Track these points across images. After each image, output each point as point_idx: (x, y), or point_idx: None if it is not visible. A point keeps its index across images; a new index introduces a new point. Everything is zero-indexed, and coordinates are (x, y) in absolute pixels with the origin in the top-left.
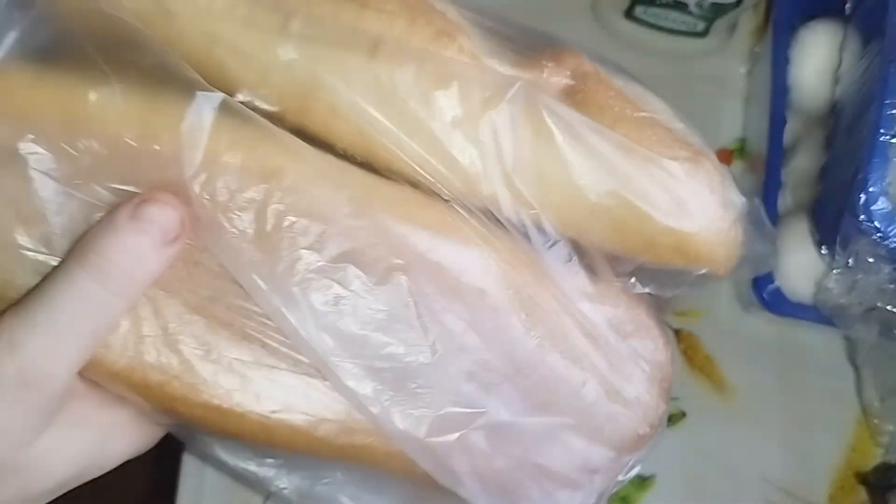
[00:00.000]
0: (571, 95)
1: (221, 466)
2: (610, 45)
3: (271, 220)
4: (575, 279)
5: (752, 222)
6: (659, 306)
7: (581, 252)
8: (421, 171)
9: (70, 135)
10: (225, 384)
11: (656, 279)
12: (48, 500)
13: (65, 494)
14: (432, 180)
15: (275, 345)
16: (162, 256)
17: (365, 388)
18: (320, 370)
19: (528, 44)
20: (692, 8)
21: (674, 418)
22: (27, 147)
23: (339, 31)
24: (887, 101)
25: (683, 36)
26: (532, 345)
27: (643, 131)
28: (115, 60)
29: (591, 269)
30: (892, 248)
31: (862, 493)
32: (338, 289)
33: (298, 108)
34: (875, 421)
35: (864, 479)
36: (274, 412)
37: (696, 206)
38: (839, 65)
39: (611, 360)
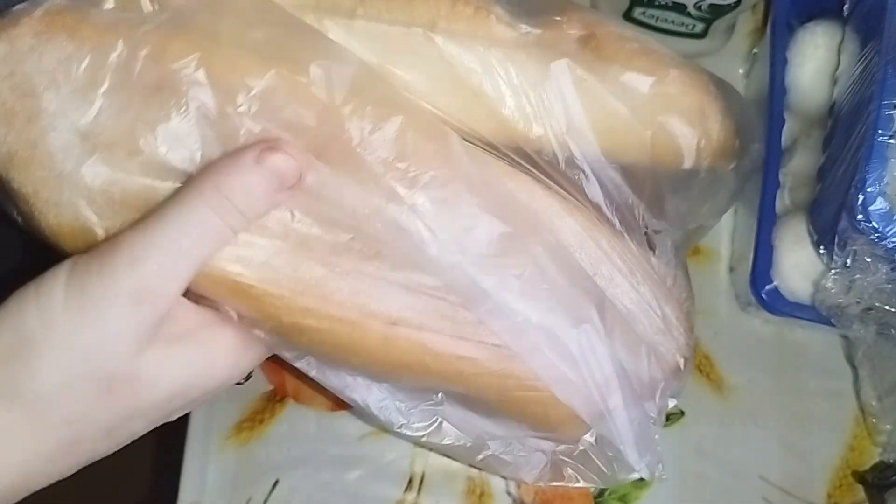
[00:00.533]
0: (587, 43)
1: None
2: None
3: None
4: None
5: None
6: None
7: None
8: (504, 148)
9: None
10: (352, 296)
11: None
12: (160, 415)
13: (74, 480)
14: (513, 155)
15: (400, 262)
16: (275, 200)
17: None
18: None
19: (537, 4)
20: (690, 9)
21: (672, 418)
22: (196, 76)
23: (397, 20)
24: (885, 102)
25: (682, 37)
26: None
27: (649, 57)
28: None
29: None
30: (890, 248)
31: (860, 492)
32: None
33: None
34: (873, 420)
35: (861, 477)
36: (394, 324)
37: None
38: (837, 66)
39: (659, 299)
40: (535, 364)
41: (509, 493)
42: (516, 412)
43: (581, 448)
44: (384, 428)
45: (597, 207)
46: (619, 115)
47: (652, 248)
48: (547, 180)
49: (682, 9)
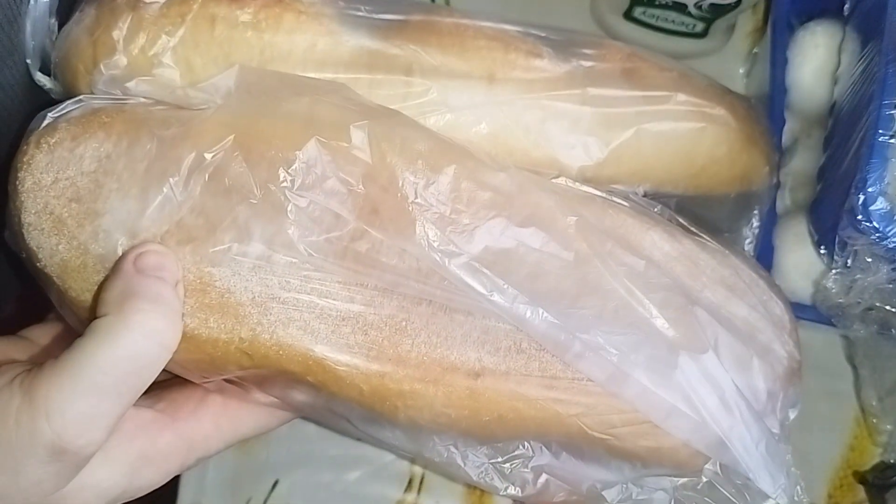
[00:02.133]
0: (630, 75)
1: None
2: None
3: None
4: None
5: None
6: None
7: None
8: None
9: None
10: (429, 352)
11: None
12: None
13: None
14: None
15: (473, 310)
16: (176, 294)
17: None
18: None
19: (574, 41)
20: (691, 9)
21: None
22: (232, 158)
23: (453, 71)
24: (885, 102)
25: (682, 37)
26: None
27: (690, 83)
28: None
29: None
30: (891, 248)
31: (860, 492)
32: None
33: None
34: (873, 420)
35: (862, 478)
36: (478, 374)
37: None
38: (837, 65)
39: (764, 303)
40: (633, 398)
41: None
42: (626, 451)
43: (705, 479)
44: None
45: (673, 220)
46: (672, 144)
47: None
48: (617, 201)
49: (682, 8)
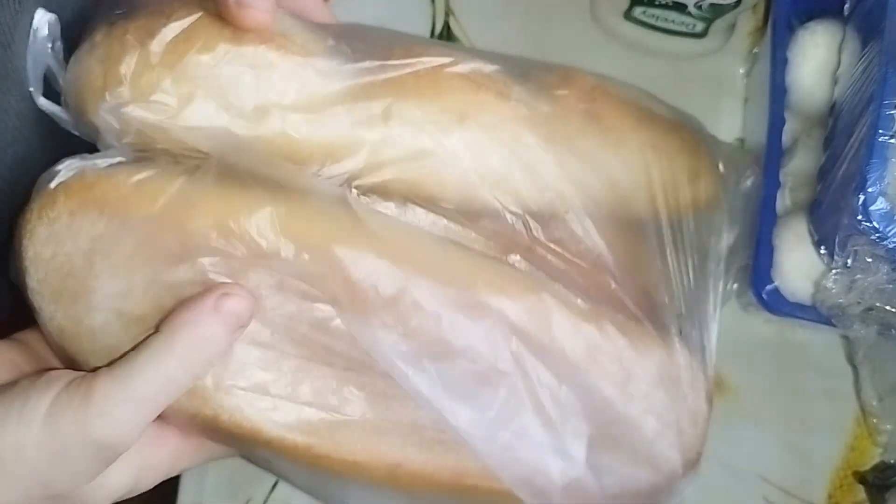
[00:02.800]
0: (590, 116)
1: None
2: (609, 46)
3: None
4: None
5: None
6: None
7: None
8: (515, 212)
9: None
10: (360, 442)
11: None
12: None
13: None
14: (526, 223)
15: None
16: (232, 338)
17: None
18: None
19: (539, 72)
20: (691, 9)
21: None
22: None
23: (428, 112)
24: (886, 102)
25: (682, 37)
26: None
27: (649, 126)
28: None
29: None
30: (891, 248)
31: (860, 493)
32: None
33: (409, 179)
34: (874, 420)
35: (862, 478)
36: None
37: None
38: (838, 65)
39: (661, 401)
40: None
41: None
42: None
43: None
44: None
45: (611, 294)
46: (619, 186)
47: (678, 330)
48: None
49: (682, 8)
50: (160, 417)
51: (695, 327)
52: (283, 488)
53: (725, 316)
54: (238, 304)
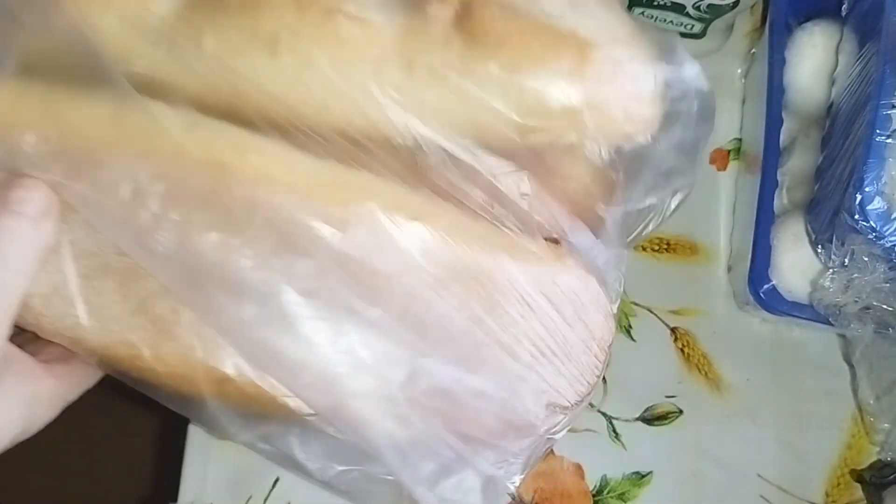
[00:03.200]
0: (461, 24)
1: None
2: None
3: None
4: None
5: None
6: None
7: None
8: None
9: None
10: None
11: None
12: None
13: (75, 478)
14: (369, 147)
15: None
16: (43, 231)
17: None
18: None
19: None
20: (689, 9)
21: (671, 416)
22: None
23: (242, 36)
24: (883, 102)
25: (680, 37)
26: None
27: (528, 45)
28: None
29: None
30: (888, 248)
31: (857, 491)
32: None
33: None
34: (870, 419)
35: (859, 476)
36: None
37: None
38: (835, 66)
39: (547, 324)
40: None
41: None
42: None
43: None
44: None
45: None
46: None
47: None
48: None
49: (680, 9)
50: (36, 346)
51: (598, 248)
52: (285, 485)
53: (723, 315)
54: (27, 193)
